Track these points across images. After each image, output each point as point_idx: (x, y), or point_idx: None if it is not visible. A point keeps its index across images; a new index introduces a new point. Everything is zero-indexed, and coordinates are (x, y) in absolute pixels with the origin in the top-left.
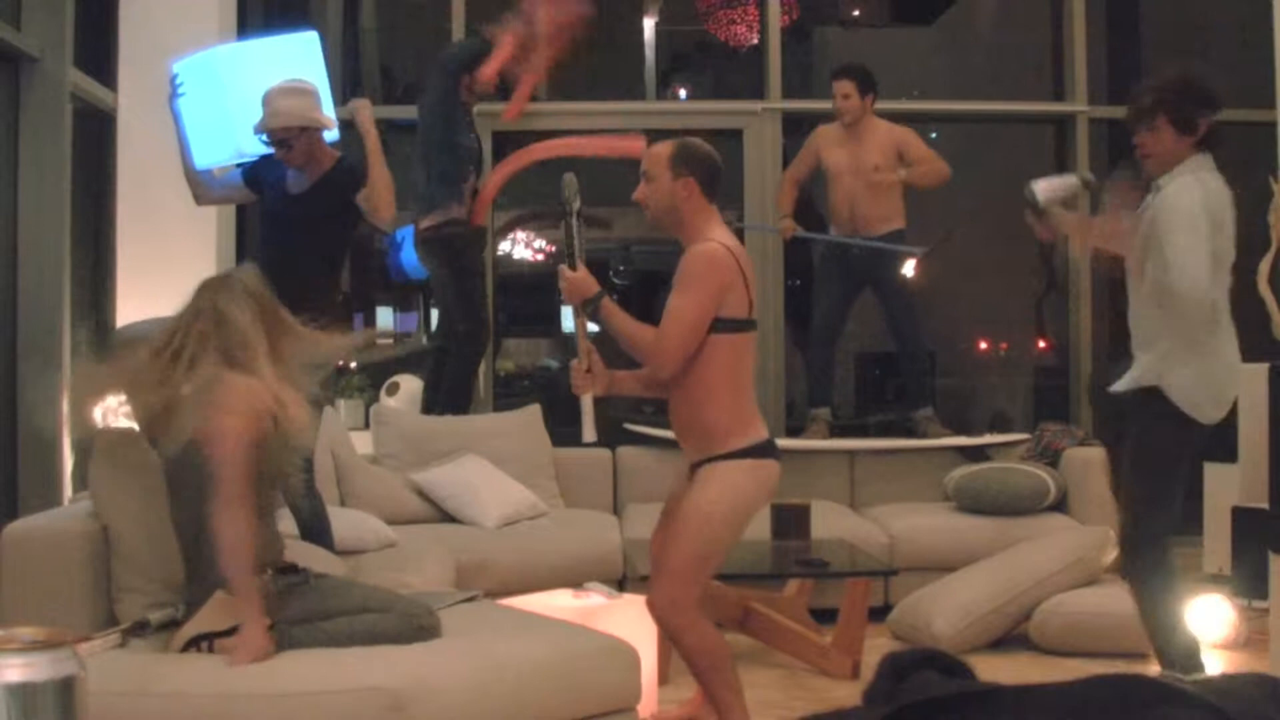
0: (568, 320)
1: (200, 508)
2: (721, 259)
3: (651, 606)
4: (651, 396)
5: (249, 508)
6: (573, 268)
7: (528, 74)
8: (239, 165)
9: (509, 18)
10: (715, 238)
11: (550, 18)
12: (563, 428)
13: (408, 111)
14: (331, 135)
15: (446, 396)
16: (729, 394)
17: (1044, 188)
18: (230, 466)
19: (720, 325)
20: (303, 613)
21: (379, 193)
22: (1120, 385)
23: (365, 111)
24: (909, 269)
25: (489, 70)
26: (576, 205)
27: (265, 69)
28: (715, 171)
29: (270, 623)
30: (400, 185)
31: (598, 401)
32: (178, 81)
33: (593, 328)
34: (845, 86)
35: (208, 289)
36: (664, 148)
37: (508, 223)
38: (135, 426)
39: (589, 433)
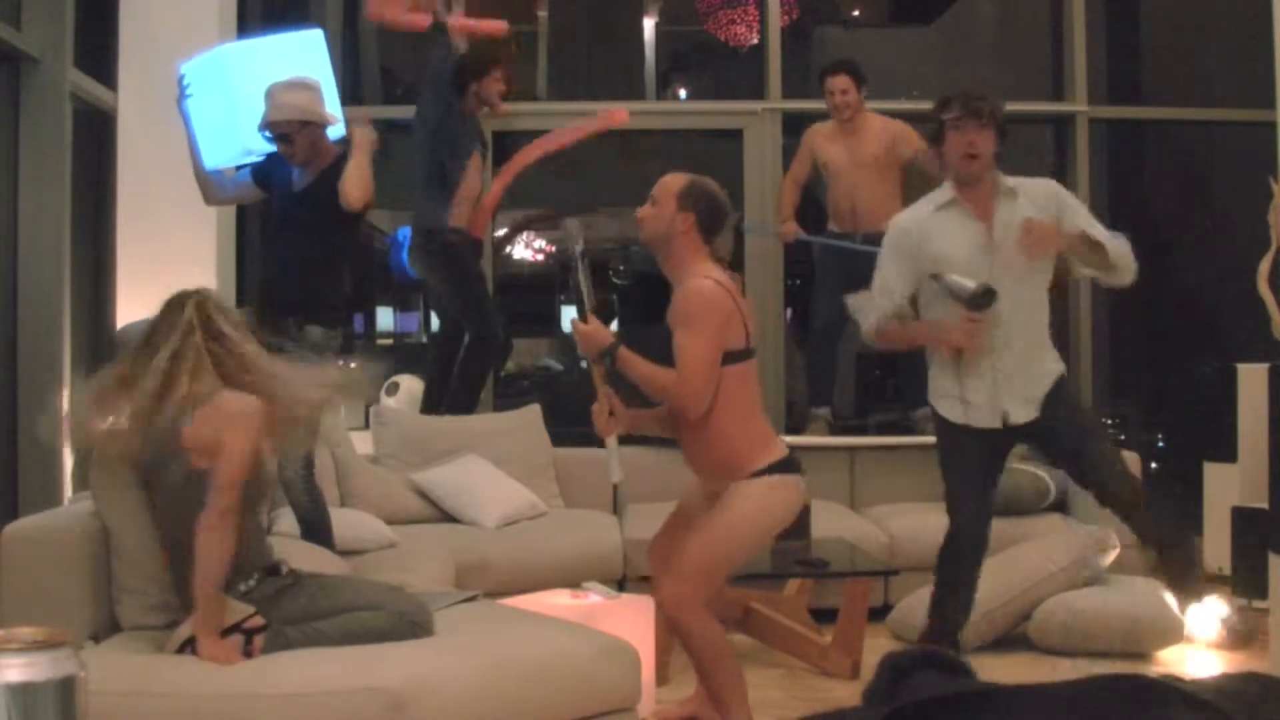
0: (568, 321)
1: (187, 513)
2: (714, 294)
3: (662, 603)
4: (667, 434)
5: (235, 525)
6: (584, 319)
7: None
8: (247, 165)
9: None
10: (703, 273)
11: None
12: (563, 428)
13: (408, 112)
14: (336, 132)
15: (455, 396)
16: (741, 423)
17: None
18: (230, 485)
19: (724, 358)
20: (296, 613)
21: (351, 174)
22: (1041, 393)
23: (366, 143)
24: None
25: (465, 22)
26: (580, 248)
27: (271, 67)
28: (718, 216)
29: (246, 622)
30: (401, 186)
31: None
32: (185, 82)
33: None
34: (842, 81)
35: (189, 302)
36: (677, 180)
37: (509, 230)
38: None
39: (617, 472)
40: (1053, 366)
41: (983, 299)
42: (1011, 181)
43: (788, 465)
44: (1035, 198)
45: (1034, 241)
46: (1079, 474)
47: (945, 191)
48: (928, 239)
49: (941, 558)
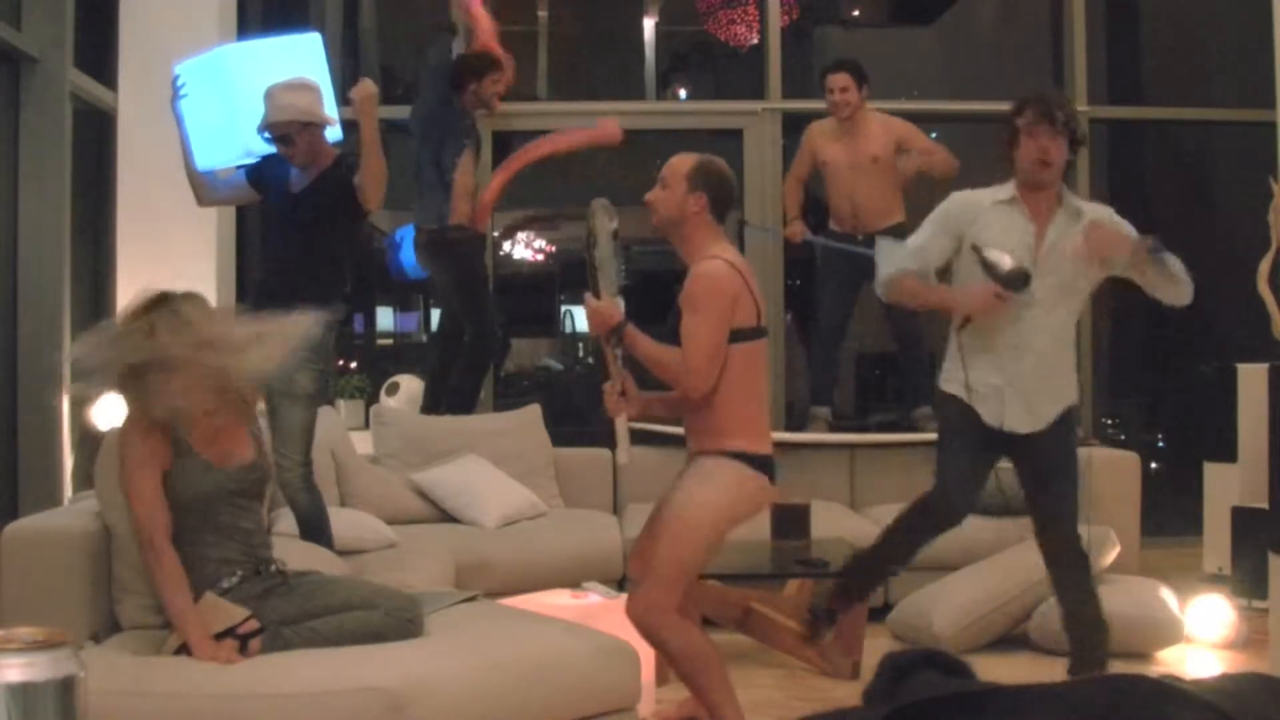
0: (568, 321)
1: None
2: (724, 274)
3: (631, 612)
4: (676, 416)
5: (167, 546)
6: (596, 296)
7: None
8: (242, 166)
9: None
10: (715, 253)
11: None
12: (563, 428)
13: (409, 112)
14: (334, 134)
15: (453, 397)
16: (742, 402)
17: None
18: (138, 517)
19: (732, 335)
20: (292, 613)
21: (369, 175)
22: (1050, 414)
23: (368, 98)
24: None
25: (482, 28)
26: (613, 226)
27: (269, 69)
28: (728, 194)
29: (241, 627)
30: (399, 185)
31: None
32: (179, 83)
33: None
34: (842, 79)
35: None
36: (685, 161)
37: (508, 226)
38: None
39: (624, 454)
40: (1066, 391)
41: (1016, 279)
42: (1076, 200)
43: (764, 463)
44: (1095, 220)
45: (1096, 242)
46: (1036, 506)
47: (1008, 189)
48: (977, 223)
49: (917, 513)
